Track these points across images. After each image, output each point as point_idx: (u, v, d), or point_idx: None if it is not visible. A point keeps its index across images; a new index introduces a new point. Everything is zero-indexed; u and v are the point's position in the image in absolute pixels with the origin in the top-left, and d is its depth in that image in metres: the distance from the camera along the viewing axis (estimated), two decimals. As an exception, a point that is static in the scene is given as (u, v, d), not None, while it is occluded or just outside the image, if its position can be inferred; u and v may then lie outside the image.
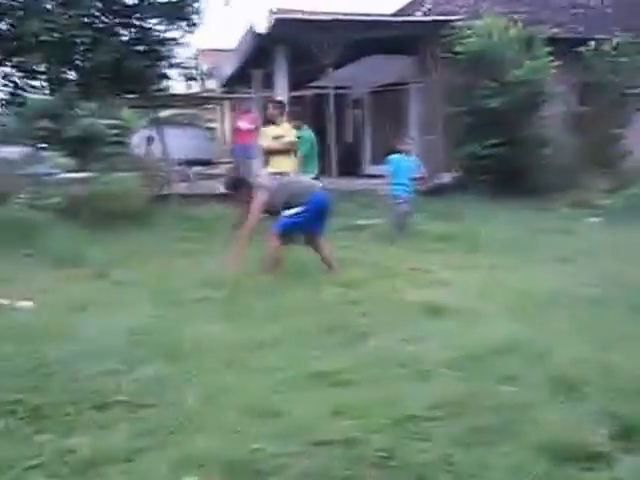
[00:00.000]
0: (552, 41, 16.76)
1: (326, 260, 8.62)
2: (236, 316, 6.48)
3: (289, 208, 8.25)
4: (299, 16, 17.06)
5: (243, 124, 16.86)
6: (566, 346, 5.34)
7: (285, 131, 12.17)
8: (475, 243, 10.80)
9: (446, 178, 17.43)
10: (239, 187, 8.76)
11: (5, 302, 6.93)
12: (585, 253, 9.91)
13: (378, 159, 22.71)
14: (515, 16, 17.88)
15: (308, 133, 12.74)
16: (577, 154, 16.98)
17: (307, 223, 8.38)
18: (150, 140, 22.37)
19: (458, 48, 16.46)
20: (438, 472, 3.53)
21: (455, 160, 17.21)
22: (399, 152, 12.10)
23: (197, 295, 7.28)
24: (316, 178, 11.86)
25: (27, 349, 5.07)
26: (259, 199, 8.28)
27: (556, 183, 16.06)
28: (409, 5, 22.06)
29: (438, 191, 16.18)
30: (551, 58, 16.25)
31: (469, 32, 16.54)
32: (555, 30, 18.14)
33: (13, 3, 13.16)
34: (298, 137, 12.30)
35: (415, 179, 12.34)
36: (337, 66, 17.69)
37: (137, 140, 24.33)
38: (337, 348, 5.49)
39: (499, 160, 15.84)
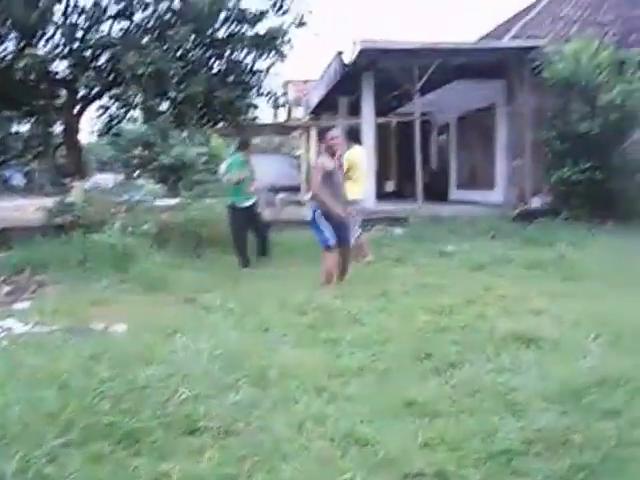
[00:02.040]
0: (645, 64, 16.31)
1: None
2: (324, 342, 6.44)
3: None
4: (385, 45, 17.05)
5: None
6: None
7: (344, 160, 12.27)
8: (570, 270, 10.37)
9: (535, 203, 17.21)
10: None
11: (100, 325, 7.08)
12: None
13: (464, 184, 22.62)
14: (604, 40, 17.64)
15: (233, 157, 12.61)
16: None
17: None
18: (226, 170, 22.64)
19: (547, 73, 16.24)
20: (536, 510, 3.40)
21: (544, 185, 16.97)
22: None
23: (284, 320, 7.27)
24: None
25: (120, 372, 5.12)
26: None
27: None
28: (495, 30, 21.98)
29: (528, 216, 15.93)
30: (645, 82, 15.77)
31: (558, 57, 16.28)
32: (648, 53, 17.75)
33: (112, 39, 13.64)
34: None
35: None
36: (423, 92, 17.63)
37: (225, 167, 24.57)
38: (428, 377, 5.39)
39: (592, 185, 15.57)
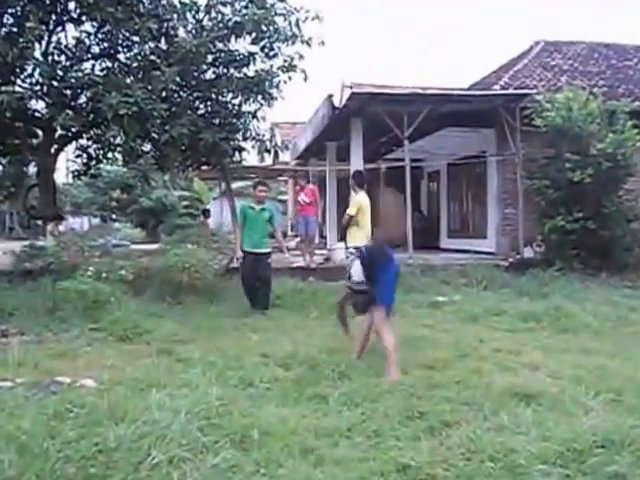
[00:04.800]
0: (635, 114, 16.39)
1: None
2: (310, 399, 6.17)
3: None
4: (375, 90, 16.85)
5: (302, 197, 16.93)
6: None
7: (352, 203, 11.82)
8: (565, 323, 10.36)
9: (528, 252, 16.93)
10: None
11: (67, 380, 6.70)
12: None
13: (455, 233, 22.32)
14: (594, 90, 17.61)
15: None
16: (668, 229, 16.52)
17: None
18: (206, 213, 22.35)
19: (538, 121, 16.25)
20: None
21: (537, 234, 16.72)
22: None
23: (267, 375, 7.01)
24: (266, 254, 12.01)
25: (88, 432, 4.82)
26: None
27: (647, 259, 15.57)
28: (486, 78, 21.94)
29: (522, 266, 15.67)
30: (635, 131, 15.82)
31: (549, 105, 16.26)
32: (638, 104, 17.72)
33: (94, 78, 13.29)
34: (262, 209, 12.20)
35: None
36: (413, 138, 17.39)
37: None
38: (421, 438, 5.11)
39: (585, 234, 15.46)
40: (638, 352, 8.40)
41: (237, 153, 15.74)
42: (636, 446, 4.68)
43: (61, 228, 16.07)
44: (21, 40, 12.59)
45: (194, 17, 14.51)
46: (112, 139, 14.36)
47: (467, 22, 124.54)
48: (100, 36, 14.38)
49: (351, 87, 16.46)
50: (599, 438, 4.80)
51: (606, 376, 6.90)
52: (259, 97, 14.84)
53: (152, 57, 14.12)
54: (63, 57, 14.31)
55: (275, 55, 14.73)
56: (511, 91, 18.13)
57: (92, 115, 13.76)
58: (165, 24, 13.98)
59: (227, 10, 14.38)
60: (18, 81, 13.91)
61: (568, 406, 5.80)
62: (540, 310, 11.17)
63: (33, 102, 13.92)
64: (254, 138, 15.53)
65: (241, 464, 4.51)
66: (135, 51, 14.39)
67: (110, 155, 16.27)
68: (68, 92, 13.87)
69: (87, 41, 14.35)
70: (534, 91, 17.74)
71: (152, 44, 14.18)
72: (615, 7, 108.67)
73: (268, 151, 17.69)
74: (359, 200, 11.60)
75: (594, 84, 19.21)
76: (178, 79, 13.71)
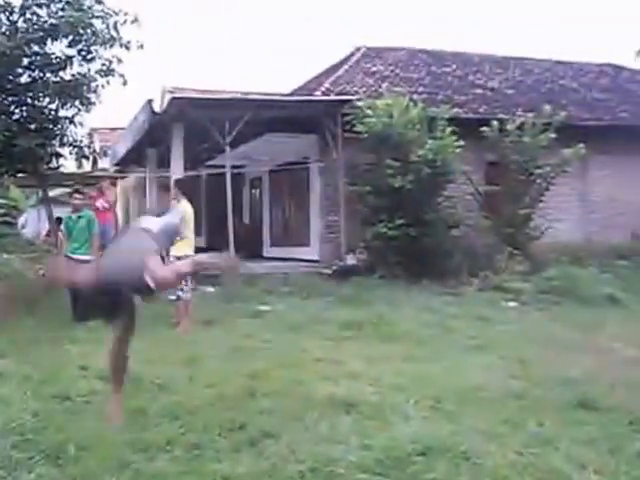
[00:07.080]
0: (454, 121, 16.86)
1: None
2: (128, 413, 5.96)
3: None
4: (195, 95, 16.73)
5: (100, 203, 16.40)
6: (496, 446, 5.08)
7: (174, 213, 11.66)
8: (386, 330, 10.47)
9: (350, 260, 17.15)
10: None
11: None
12: (503, 341, 9.84)
13: (278, 240, 22.34)
14: (415, 96, 18.08)
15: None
16: (486, 235, 17.22)
17: None
18: (25, 223, 21.65)
19: (360, 127, 16.46)
20: None
21: (360, 241, 16.99)
22: None
23: (85, 388, 6.85)
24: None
25: None
26: None
27: (467, 265, 16.04)
28: (307, 84, 22.16)
29: (345, 274, 15.86)
30: (454, 138, 16.27)
31: (370, 112, 16.52)
32: (456, 110, 18.38)
33: None
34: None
35: None
36: (235, 144, 17.35)
37: (24, 220, 23.83)
38: (240, 449, 5.10)
39: (407, 241, 15.75)
40: (457, 359, 8.62)
41: (54, 159, 15.40)
42: (454, 453, 4.84)
43: None
44: None
45: (8, 19, 14.07)
46: None
47: (289, 26, 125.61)
48: None
49: (172, 92, 16.26)
50: (419, 446, 4.89)
51: (426, 383, 7.05)
52: (76, 102, 14.57)
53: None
54: None
55: (93, 58, 14.50)
56: (332, 97, 18.34)
57: None
58: (-23, 25, 13.44)
59: (43, 12, 14.02)
60: None
61: (388, 414, 5.89)
62: (362, 318, 11.28)
63: None
64: (72, 144, 15.25)
65: (57, 481, 4.35)
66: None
67: None
68: None
69: None
70: (355, 97, 17.94)
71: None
72: (434, 14, 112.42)
73: (86, 157, 17.21)
74: (184, 209, 11.46)
75: (414, 90, 19.76)
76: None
